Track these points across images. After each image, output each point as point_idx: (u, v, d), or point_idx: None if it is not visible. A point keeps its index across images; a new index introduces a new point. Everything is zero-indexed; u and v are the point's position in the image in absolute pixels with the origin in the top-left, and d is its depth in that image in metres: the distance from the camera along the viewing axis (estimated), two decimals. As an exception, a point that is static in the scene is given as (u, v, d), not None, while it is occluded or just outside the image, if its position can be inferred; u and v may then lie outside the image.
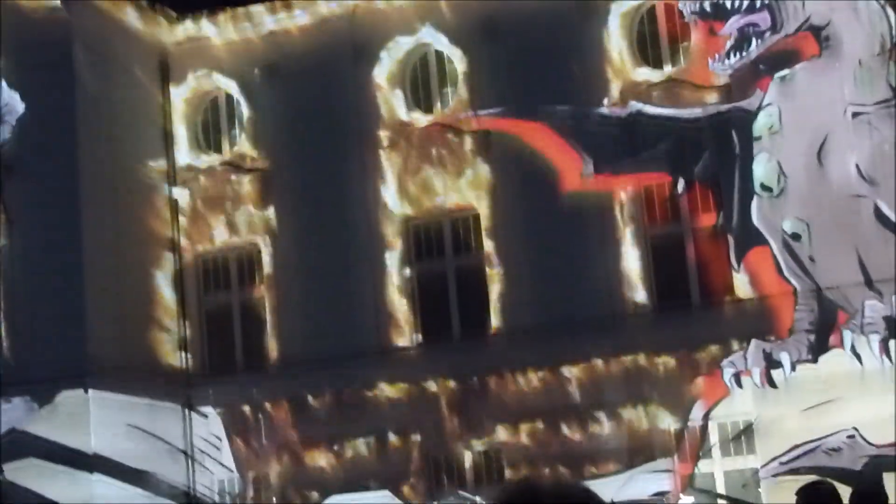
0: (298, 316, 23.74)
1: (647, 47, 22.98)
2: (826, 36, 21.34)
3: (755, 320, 21.33)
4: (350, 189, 23.82)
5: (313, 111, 24.20)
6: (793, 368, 20.79)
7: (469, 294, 23.28)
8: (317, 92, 24.19)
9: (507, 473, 22.12)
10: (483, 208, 23.25)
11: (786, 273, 21.29)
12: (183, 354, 24.38)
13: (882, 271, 20.50)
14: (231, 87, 24.92)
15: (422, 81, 24.32)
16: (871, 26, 21.18)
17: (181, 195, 24.91)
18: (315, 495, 23.01)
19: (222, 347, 24.58)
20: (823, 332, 20.83)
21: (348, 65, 24.19)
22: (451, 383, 22.67)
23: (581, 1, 22.73)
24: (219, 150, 25.18)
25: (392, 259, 23.56)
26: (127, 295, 23.58)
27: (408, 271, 23.60)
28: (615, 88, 22.61)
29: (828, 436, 20.37)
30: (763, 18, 21.66)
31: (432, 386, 22.77)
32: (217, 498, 23.71)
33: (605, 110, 22.58)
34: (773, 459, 20.79)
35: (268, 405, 23.53)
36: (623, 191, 22.48)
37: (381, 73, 24.00)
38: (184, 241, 24.81)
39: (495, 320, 22.86)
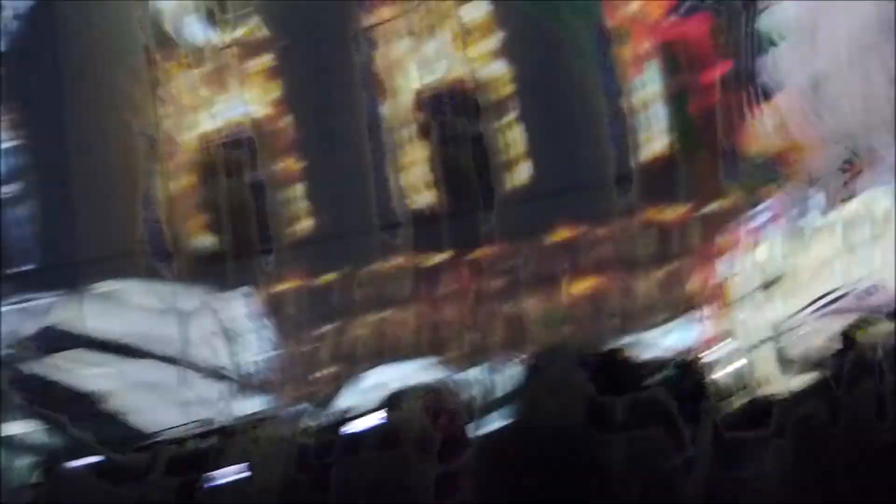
0: (323, 192, 23.76)
1: None
2: None
3: (780, 169, 21.17)
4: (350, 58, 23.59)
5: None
6: (823, 214, 20.69)
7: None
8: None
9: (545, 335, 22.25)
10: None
11: (809, 120, 21.05)
12: (215, 236, 24.44)
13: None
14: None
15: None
16: None
17: (189, 76, 24.68)
18: (359, 367, 23.20)
19: (251, 226, 24.63)
20: (851, 178, 20.67)
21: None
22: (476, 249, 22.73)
23: None
24: (224, 29, 24.86)
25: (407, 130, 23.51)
26: (150, 177, 23.63)
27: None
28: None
29: (860, 280, 20.35)
30: None
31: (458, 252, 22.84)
32: (257, 376, 23.96)
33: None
34: (810, 304, 20.80)
35: (301, 279, 23.61)
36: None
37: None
38: (190, 126, 24.65)
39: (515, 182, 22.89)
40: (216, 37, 24.40)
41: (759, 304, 21.67)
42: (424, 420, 8.25)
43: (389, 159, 23.30)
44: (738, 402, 13.24)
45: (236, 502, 11.15)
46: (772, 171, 21.24)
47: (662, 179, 22.09)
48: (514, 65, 23.32)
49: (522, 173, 23.16)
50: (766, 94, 21.42)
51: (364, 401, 21.61)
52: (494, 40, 23.42)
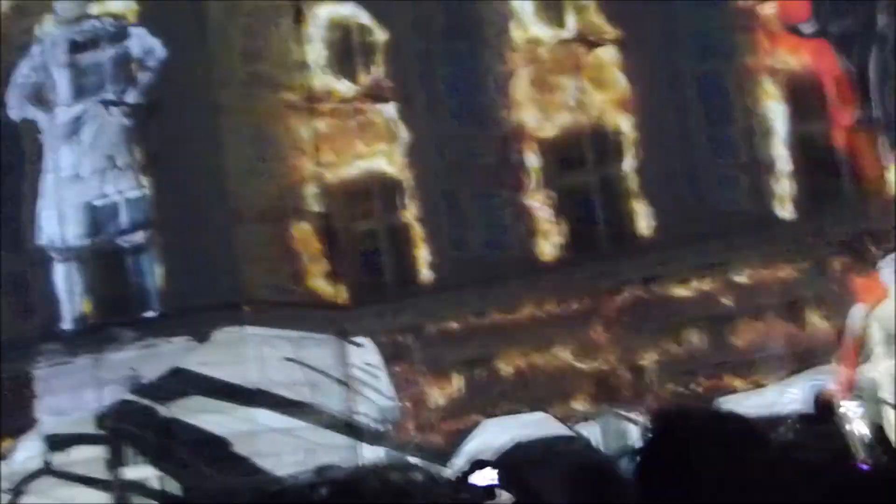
0: (443, 239, 23.79)
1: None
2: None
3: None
4: (485, 104, 23.61)
5: (442, 29, 23.99)
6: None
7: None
8: (448, 7, 23.97)
9: (667, 387, 21.99)
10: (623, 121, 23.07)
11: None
12: (335, 284, 24.60)
13: None
14: (364, 15, 24.80)
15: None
16: None
17: (320, 124, 24.97)
18: (474, 417, 23.12)
19: (371, 274, 24.75)
20: None
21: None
22: (601, 295, 22.55)
23: None
24: (354, 79, 25.14)
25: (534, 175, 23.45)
26: (274, 226, 23.86)
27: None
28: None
29: None
30: None
31: (581, 299, 22.68)
32: (377, 426, 23.97)
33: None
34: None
35: (421, 329, 23.63)
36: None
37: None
38: (324, 169, 24.92)
39: (641, 228, 22.72)
40: (345, 86, 24.69)
41: (889, 357, 21.21)
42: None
43: (520, 205, 23.30)
44: (868, 461, 12.90)
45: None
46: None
47: (793, 227, 21.83)
48: (640, 112, 23.24)
49: (649, 220, 23.01)
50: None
51: (487, 451, 21.69)
52: (622, 88, 23.37)
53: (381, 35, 24.59)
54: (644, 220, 22.89)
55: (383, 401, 24.00)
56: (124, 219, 24.44)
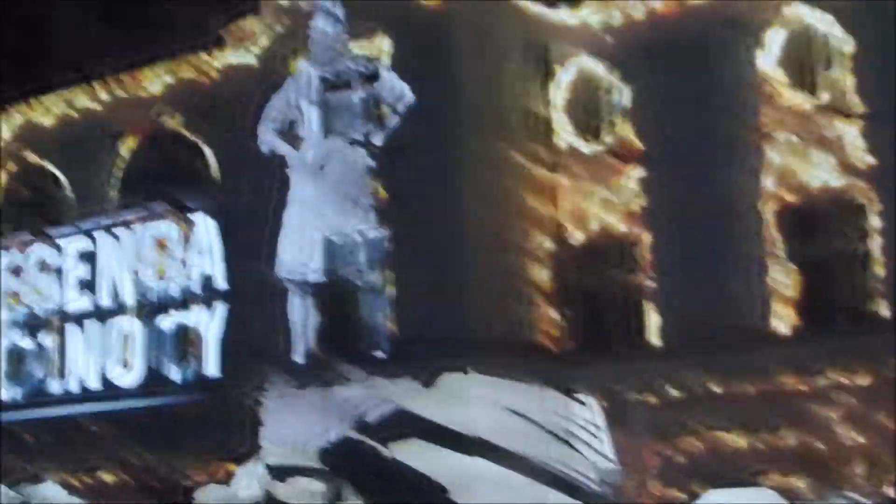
0: (678, 301, 23.47)
1: None
2: None
3: None
4: (731, 175, 23.27)
5: (692, 92, 23.76)
6: None
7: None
8: (697, 74, 23.73)
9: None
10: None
11: None
12: (562, 337, 24.53)
13: None
14: (610, 70, 24.78)
15: (804, 62, 23.52)
16: None
17: (560, 178, 25.01)
18: (693, 489, 22.69)
19: (601, 331, 24.60)
20: None
21: (728, 44, 23.60)
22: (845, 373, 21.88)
23: None
24: (597, 135, 25.14)
25: (773, 245, 22.96)
26: (506, 276, 23.93)
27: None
28: None
29: None
30: None
31: (824, 376, 22.03)
32: (595, 487, 23.67)
33: None
34: None
35: (648, 392, 23.31)
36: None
37: (765, 53, 23.32)
38: (563, 223, 24.94)
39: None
40: (588, 147, 24.75)
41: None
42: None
43: (757, 275, 22.87)
44: None
45: None
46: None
47: None
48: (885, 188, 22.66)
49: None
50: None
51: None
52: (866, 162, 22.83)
53: (625, 95, 24.56)
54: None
55: (603, 462, 23.64)
56: (362, 257, 24.76)
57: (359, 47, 25.12)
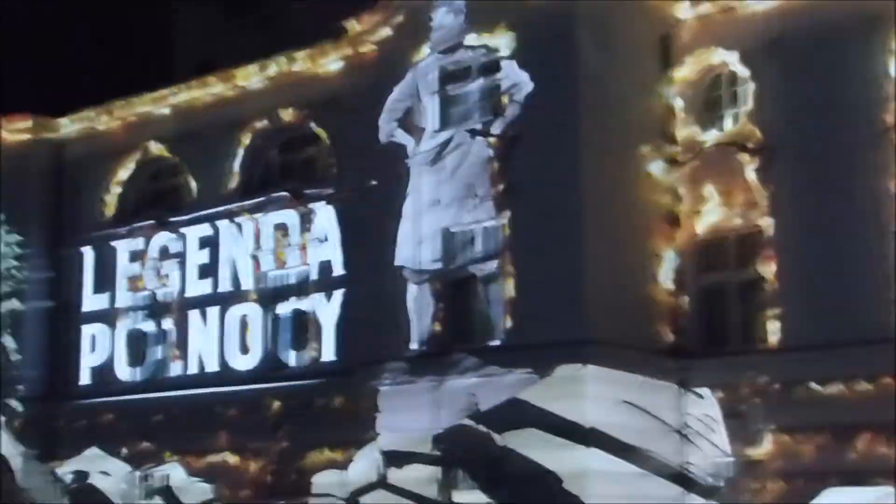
0: (800, 299, 23.16)
1: None
2: None
3: None
4: (857, 175, 22.87)
5: (819, 87, 23.39)
6: None
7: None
8: (824, 67, 23.37)
9: None
10: None
11: None
12: (679, 332, 24.37)
13: None
14: (734, 62, 24.49)
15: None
16: None
17: (680, 172, 24.81)
18: (811, 486, 22.41)
19: (718, 326, 24.39)
20: None
21: (858, 39, 23.22)
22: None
23: None
24: (720, 127, 24.89)
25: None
26: (624, 268, 23.80)
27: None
28: None
29: None
30: None
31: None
32: (710, 480, 23.56)
33: None
34: None
35: (765, 388, 23.07)
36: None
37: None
38: (682, 218, 24.75)
39: None
40: (710, 135, 24.52)
41: None
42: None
43: (883, 273, 22.51)
44: None
45: None
46: None
47: None
48: None
49: None
50: None
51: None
52: None
53: (750, 84, 24.27)
54: None
55: (718, 455, 23.56)
56: (479, 247, 24.91)
57: (478, 40, 25.22)
